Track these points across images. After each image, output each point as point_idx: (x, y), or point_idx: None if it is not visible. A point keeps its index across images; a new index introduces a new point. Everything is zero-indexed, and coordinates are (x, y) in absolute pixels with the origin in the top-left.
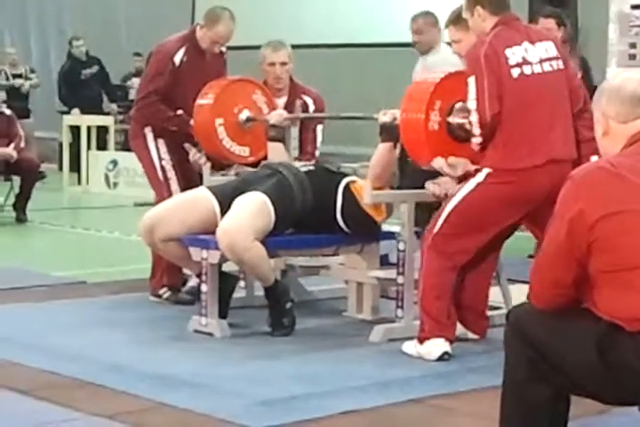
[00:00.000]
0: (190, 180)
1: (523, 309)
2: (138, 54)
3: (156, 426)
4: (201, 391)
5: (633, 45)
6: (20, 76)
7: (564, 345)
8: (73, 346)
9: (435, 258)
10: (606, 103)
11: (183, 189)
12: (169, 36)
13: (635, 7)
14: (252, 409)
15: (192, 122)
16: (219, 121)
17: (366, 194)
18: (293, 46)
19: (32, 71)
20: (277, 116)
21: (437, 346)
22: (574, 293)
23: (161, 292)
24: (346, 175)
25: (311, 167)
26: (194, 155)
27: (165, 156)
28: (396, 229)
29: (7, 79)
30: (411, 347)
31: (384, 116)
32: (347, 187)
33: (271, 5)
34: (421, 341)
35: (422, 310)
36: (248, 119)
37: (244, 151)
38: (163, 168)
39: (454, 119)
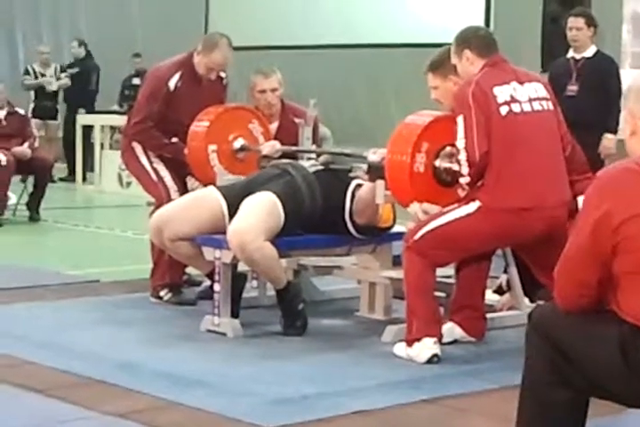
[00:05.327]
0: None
1: (546, 309)
2: (137, 55)
3: (168, 425)
4: (213, 390)
5: None
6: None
7: (587, 347)
8: (86, 345)
9: (414, 257)
10: (634, 103)
11: (181, 190)
12: (182, 37)
13: None
14: (264, 408)
15: (186, 150)
16: (212, 147)
17: (378, 194)
18: (304, 47)
19: (62, 70)
20: (270, 147)
21: (426, 348)
22: (599, 294)
23: (162, 293)
24: (354, 178)
25: (320, 167)
26: (191, 185)
27: (155, 159)
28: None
29: (35, 77)
30: (401, 349)
31: (373, 155)
32: (354, 192)
33: (282, 6)
34: (410, 343)
35: (408, 311)
36: (242, 148)
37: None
38: (155, 169)
39: (441, 163)
